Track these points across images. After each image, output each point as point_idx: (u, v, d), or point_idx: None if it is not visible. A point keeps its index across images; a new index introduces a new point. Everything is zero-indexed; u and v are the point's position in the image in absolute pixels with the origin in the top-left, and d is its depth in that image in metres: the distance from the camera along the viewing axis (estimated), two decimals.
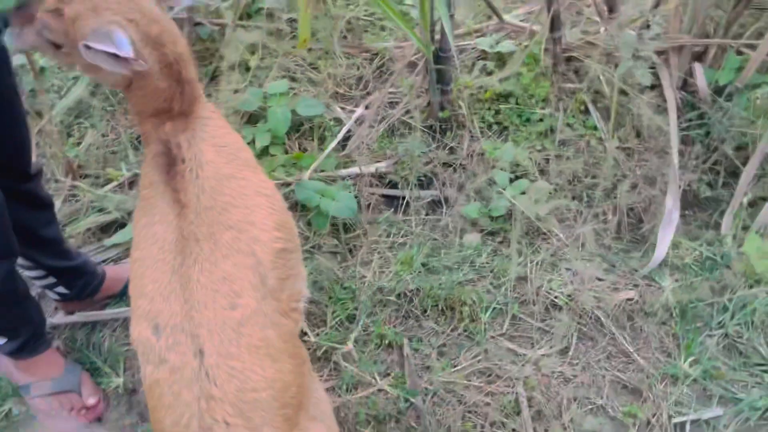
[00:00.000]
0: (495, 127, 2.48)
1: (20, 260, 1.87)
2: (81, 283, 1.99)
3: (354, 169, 2.38)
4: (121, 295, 2.07)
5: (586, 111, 2.46)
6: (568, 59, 2.52)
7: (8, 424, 1.83)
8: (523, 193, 2.23)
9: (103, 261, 2.18)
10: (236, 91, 2.57)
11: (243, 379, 1.01)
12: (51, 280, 1.94)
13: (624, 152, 2.35)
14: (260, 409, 1.01)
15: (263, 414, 1.01)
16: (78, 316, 2.04)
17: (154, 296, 1.08)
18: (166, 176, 1.17)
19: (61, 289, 1.97)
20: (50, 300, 2.04)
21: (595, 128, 2.41)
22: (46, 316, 1.94)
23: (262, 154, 2.45)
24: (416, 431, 1.74)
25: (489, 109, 2.50)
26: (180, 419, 0.99)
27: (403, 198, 2.31)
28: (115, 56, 1.07)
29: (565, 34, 2.48)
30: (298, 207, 2.28)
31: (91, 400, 1.84)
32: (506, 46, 2.56)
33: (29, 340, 1.80)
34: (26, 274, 1.90)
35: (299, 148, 2.48)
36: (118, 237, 2.24)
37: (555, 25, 2.37)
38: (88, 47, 1.07)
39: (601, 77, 2.40)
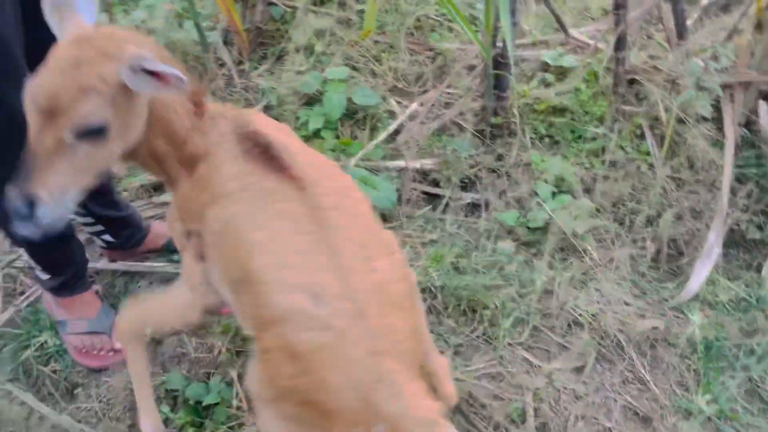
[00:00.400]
0: (546, 139, 2.48)
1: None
2: (127, 234, 2.09)
3: (400, 163, 2.42)
4: (163, 251, 2.17)
5: (641, 136, 2.43)
6: (630, 81, 2.49)
7: (42, 354, 1.95)
8: (564, 208, 2.22)
9: (151, 217, 2.29)
10: (298, 73, 2.65)
11: (395, 333, 1.13)
12: (99, 227, 2.05)
13: (674, 182, 2.31)
14: (410, 355, 1.15)
15: (413, 359, 1.16)
16: (119, 265, 2.15)
17: (303, 267, 1.14)
18: (262, 163, 1.22)
19: (107, 237, 2.08)
20: (96, 246, 2.16)
21: (648, 154, 2.37)
22: (91, 260, 2.06)
23: (314, 136, 2.52)
24: None
25: (543, 121, 2.50)
26: (351, 377, 1.09)
27: (444, 197, 2.34)
28: (159, 78, 1.10)
29: (630, 55, 2.45)
30: None
31: (120, 345, 1.94)
32: (569, 60, 2.55)
33: (71, 279, 1.91)
34: (77, 219, 2.02)
35: (350, 135, 2.54)
36: (168, 195, 2.35)
37: (620, 44, 2.35)
38: (147, 70, 1.08)
39: (661, 103, 2.36)
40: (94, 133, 1.12)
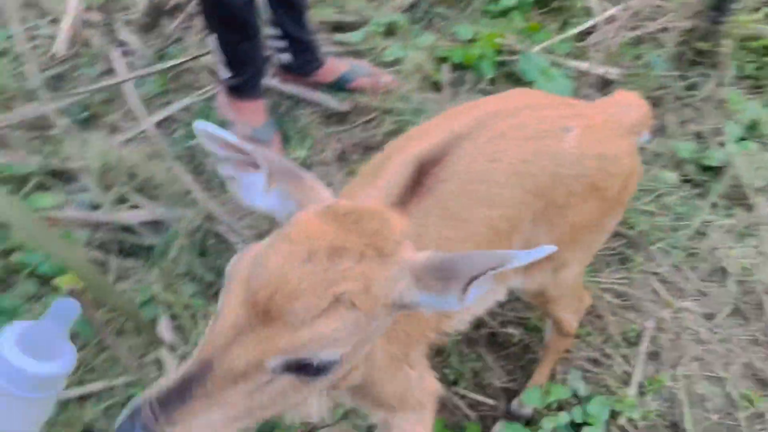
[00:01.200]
0: (750, 80, 2.26)
1: (266, 14, 2.07)
2: (304, 59, 2.16)
3: (583, 64, 2.30)
4: (331, 87, 2.23)
5: None
6: None
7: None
8: (748, 155, 2.05)
9: (329, 52, 2.34)
10: None
11: None
12: (283, 43, 2.13)
13: None
14: None
15: None
16: (290, 87, 2.24)
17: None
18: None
19: (286, 56, 2.16)
20: (272, 66, 2.24)
21: None
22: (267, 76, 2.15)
23: (502, 14, 2.43)
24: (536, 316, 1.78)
25: (753, 61, 2.27)
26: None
27: None
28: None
29: None
30: (513, 76, 2.28)
31: None
32: None
33: (248, 82, 2.02)
34: (267, 31, 2.10)
35: (539, 23, 2.43)
36: (348, 37, 2.39)
37: None
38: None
39: None
40: (317, 369, 0.74)
